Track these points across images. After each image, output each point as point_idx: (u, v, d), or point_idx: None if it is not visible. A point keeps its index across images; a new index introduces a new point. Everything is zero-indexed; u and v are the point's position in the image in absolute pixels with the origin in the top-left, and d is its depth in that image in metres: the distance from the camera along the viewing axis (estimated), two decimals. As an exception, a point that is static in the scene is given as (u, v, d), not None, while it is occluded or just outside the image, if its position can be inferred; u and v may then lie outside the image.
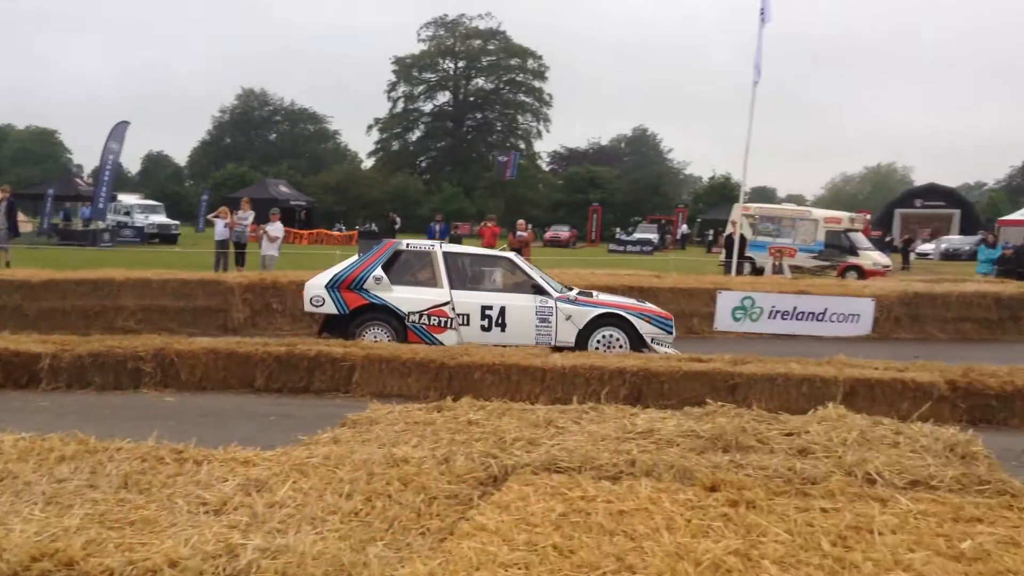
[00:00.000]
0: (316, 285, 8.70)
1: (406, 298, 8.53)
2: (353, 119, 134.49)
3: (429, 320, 8.47)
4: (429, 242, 9.52)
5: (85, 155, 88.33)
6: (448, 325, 8.47)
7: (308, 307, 8.79)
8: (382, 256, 8.74)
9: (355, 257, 9.04)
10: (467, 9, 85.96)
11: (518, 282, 8.81)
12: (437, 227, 19.93)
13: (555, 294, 8.61)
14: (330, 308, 8.61)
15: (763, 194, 65.86)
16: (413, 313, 8.48)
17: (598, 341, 8.44)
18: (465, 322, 8.48)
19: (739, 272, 17.20)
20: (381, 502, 3.11)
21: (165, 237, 30.41)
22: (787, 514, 3.00)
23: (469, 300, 8.52)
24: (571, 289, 9.00)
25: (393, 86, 66.67)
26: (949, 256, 34.93)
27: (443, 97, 68.01)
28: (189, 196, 52.69)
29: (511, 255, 9.25)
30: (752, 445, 3.94)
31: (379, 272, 8.57)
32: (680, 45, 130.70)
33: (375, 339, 8.33)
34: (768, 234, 23.25)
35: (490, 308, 8.48)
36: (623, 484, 3.32)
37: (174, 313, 10.52)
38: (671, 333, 8.65)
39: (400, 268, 8.72)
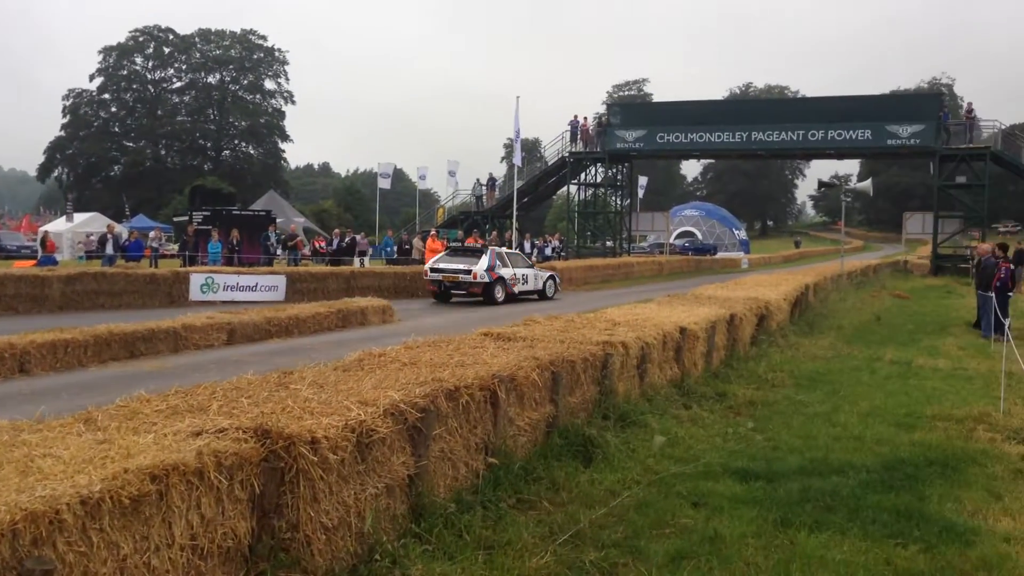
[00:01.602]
0: (481, 269, 22.83)
1: (505, 272, 23.51)
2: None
3: (512, 282, 23.82)
4: (499, 247, 27.38)
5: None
6: (514, 284, 23.90)
7: (480, 279, 22.83)
8: (494, 254, 23.78)
9: (488, 255, 23.59)
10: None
11: (526, 262, 26.03)
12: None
13: (535, 268, 26.30)
14: (486, 279, 22.93)
15: None
16: (510, 279, 23.63)
17: (548, 286, 25.64)
18: (518, 282, 24.07)
19: None
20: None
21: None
22: None
23: (516, 271, 24.09)
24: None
25: None
26: None
27: None
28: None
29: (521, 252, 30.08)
30: None
31: (497, 261, 23.47)
32: None
33: (499, 294, 23.35)
34: None
35: (522, 274, 24.51)
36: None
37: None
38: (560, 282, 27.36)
39: (497, 259, 23.62)
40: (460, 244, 30.15)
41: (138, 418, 4.53)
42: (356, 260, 32.96)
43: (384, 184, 49.10)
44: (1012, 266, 17.54)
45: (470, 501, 5.69)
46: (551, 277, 26.41)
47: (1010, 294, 16.97)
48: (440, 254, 25.52)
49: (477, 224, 47.39)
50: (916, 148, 42.59)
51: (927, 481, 6.94)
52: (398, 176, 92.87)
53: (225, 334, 14.56)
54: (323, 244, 35.06)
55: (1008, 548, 5.51)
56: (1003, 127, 43.63)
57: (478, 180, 50.52)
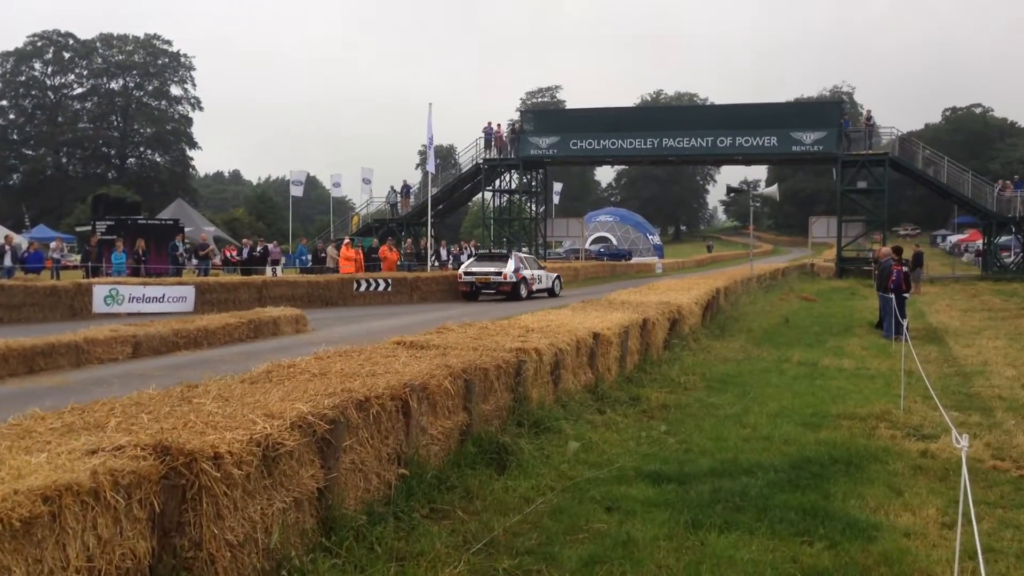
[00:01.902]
0: (509, 270, 27.80)
1: (526, 273, 28.74)
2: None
3: (531, 281, 28.86)
4: (516, 252, 32.84)
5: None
6: (532, 283, 28.93)
7: (509, 279, 27.70)
8: (517, 258, 29.05)
9: (513, 259, 28.87)
10: None
11: (538, 265, 31.36)
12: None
13: (546, 268, 31.90)
14: (513, 280, 27.83)
15: None
16: (529, 279, 28.77)
17: (555, 285, 30.80)
18: (535, 282, 29.18)
19: None
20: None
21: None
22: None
23: (533, 272, 29.40)
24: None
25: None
26: None
27: None
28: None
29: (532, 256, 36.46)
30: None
31: (520, 264, 28.71)
32: None
33: (523, 291, 28.31)
34: None
35: (537, 275, 29.64)
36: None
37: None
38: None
39: (520, 263, 29.10)
40: (375, 251, 31.02)
41: (31, 437, 4.35)
42: (268, 269, 32.40)
43: (297, 192, 48.31)
44: (904, 268, 18.17)
45: (382, 512, 5.62)
46: (557, 277, 31.86)
47: (905, 295, 17.58)
48: (470, 260, 31.66)
49: (392, 232, 47.08)
50: (819, 154, 43.94)
51: (832, 479, 7.13)
52: (311, 184, 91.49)
53: (130, 347, 14.14)
54: (234, 253, 34.36)
55: (908, 543, 5.69)
56: (900, 134, 45.36)
57: (392, 187, 50.21)
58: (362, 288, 27.48)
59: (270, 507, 4.62)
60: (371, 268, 32.17)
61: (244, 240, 37.36)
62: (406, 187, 50.18)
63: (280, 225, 69.77)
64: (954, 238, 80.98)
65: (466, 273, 28.90)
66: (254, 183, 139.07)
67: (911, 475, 7.40)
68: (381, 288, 27.83)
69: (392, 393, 5.99)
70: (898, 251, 19.00)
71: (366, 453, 5.67)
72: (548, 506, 6.35)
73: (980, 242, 52.21)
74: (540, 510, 6.25)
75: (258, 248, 33.91)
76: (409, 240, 40.47)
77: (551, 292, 30.22)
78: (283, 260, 36.90)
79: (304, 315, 19.31)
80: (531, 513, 6.16)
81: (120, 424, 4.57)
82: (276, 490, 4.70)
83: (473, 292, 28.57)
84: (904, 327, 11.90)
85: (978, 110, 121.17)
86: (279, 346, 15.55)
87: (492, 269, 28.45)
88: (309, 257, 35.12)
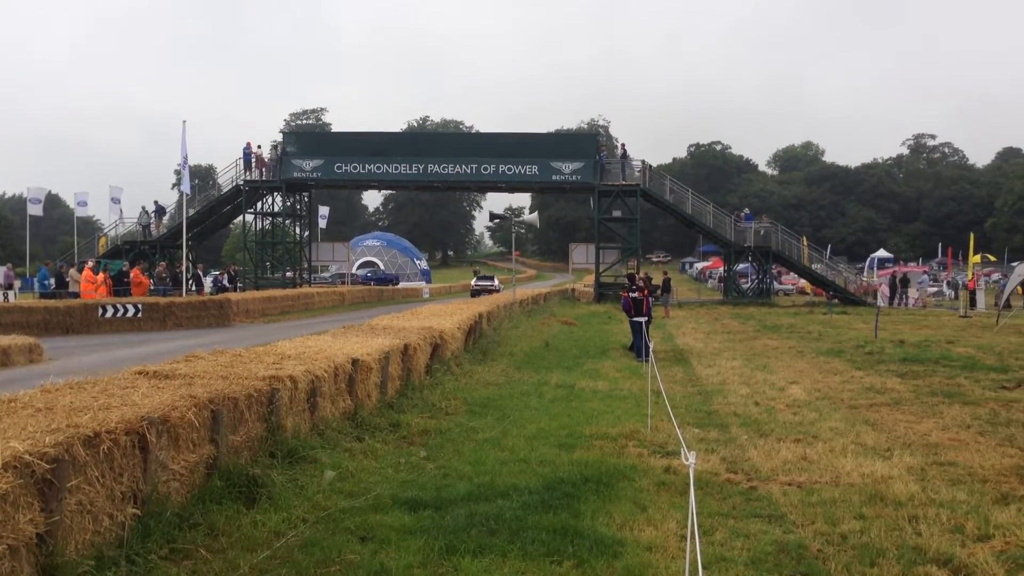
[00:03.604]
0: (496, 284, 57.35)
1: (500, 285, 58.30)
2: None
3: (499, 288, 54.91)
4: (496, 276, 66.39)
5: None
6: (499, 289, 53.56)
7: (497, 288, 53.48)
8: (496, 278, 62.32)
9: (495, 279, 62.17)
10: None
11: (495, 281, 61.19)
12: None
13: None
14: (498, 288, 53.41)
15: None
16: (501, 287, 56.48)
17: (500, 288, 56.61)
18: (499, 288, 54.79)
19: None
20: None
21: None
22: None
23: (498, 284, 59.54)
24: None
25: None
26: None
27: None
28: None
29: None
30: None
31: (496, 280, 61.49)
32: None
33: (499, 293, 46.49)
34: None
35: (499, 285, 58.94)
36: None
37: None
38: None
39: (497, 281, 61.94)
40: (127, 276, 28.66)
41: None
42: (0, 294, 29.66)
43: (35, 210, 44.52)
44: (631, 295, 19.22)
45: (114, 556, 5.21)
46: (500, 284, 57.73)
47: (638, 319, 18.53)
48: (475, 279, 60.24)
49: (144, 254, 44.53)
50: (578, 184, 46.03)
51: (583, 498, 7.38)
52: (53, 202, 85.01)
53: None
54: (-42, 276, 31.22)
55: (650, 556, 5.98)
56: (650, 166, 48.39)
57: (144, 208, 47.52)
58: (108, 314, 25.73)
59: (-23, 559, 4.16)
60: (123, 293, 30.21)
61: (-30, 262, 34.03)
62: (159, 208, 47.66)
63: (17, 246, 64.30)
64: (700, 265, 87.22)
65: (475, 284, 55.31)
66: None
67: (655, 491, 7.79)
68: (130, 314, 26.17)
69: (127, 427, 5.60)
70: (631, 278, 20.20)
71: (96, 493, 5.25)
72: (299, 539, 6.15)
73: (722, 269, 56.51)
74: (291, 544, 6.04)
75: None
76: (163, 264, 38.37)
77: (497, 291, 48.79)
78: (18, 284, 33.93)
79: (40, 344, 17.85)
80: (281, 548, 5.95)
81: None
82: (-15, 539, 4.25)
83: (474, 295, 45.34)
84: (649, 349, 12.62)
85: (718, 147, 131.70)
86: (8, 378, 14.23)
87: (488, 283, 55.39)
88: (52, 281, 32.47)
